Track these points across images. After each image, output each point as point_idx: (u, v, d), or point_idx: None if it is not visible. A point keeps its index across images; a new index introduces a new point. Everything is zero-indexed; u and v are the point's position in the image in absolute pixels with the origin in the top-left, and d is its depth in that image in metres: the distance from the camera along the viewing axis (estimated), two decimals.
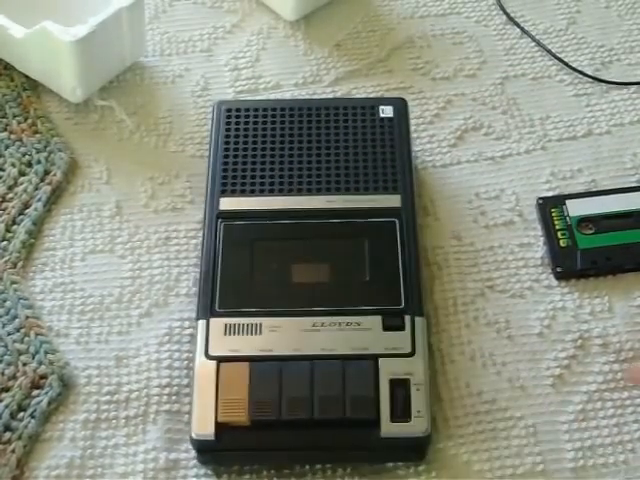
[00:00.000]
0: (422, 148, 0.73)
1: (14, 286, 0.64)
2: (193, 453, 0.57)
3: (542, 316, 0.63)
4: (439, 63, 0.79)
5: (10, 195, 0.69)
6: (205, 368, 0.57)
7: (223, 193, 0.64)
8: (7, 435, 0.57)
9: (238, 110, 0.69)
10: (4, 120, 0.73)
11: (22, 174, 0.70)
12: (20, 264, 0.65)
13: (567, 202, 0.68)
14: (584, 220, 0.67)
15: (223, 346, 0.57)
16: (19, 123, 0.73)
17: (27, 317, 0.62)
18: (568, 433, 0.58)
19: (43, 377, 0.59)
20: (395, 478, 0.56)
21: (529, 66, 0.79)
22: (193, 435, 0.55)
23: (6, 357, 0.60)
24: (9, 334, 0.61)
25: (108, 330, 0.62)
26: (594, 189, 0.70)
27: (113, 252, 0.66)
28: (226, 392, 0.56)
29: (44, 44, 0.70)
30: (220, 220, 0.63)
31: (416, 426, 0.55)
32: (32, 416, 0.58)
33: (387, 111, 0.69)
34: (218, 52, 0.80)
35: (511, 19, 0.82)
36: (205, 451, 0.56)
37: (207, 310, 0.59)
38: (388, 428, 0.55)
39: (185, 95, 0.76)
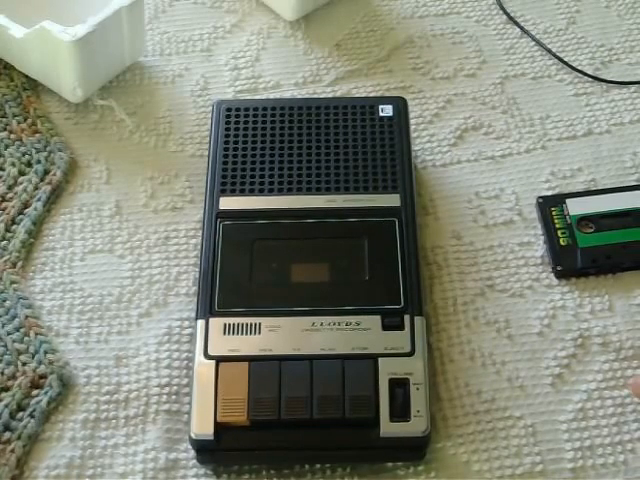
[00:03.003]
0: (422, 147, 0.73)
1: (14, 286, 0.64)
2: (192, 453, 0.57)
3: (542, 315, 0.63)
4: (439, 63, 0.79)
5: (10, 195, 0.69)
6: (204, 368, 0.57)
7: (223, 193, 0.64)
8: (7, 435, 0.57)
9: (238, 110, 0.69)
10: (4, 120, 0.73)
11: (22, 174, 0.70)
12: (20, 264, 0.65)
13: (567, 201, 0.68)
14: (584, 219, 0.67)
15: (222, 346, 0.57)
16: (19, 123, 0.73)
17: (27, 317, 0.62)
18: (567, 433, 0.58)
19: (43, 377, 0.59)
20: (395, 478, 0.56)
21: (529, 66, 0.79)
22: (192, 435, 0.55)
23: (6, 357, 0.60)
24: (9, 334, 0.61)
25: (108, 330, 0.62)
26: (594, 188, 0.70)
27: (113, 252, 0.66)
28: (225, 392, 0.55)
29: (44, 44, 0.70)
30: (219, 220, 0.63)
31: (415, 426, 0.55)
32: (32, 416, 0.58)
33: (387, 110, 0.69)
34: (218, 52, 0.80)
35: (511, 19, 0.82)
36: (204, 451, 0.56)
37: (206, 310, 0.59)
38: (387, 428, 0.55)
39: (185, 95, 0.76)
